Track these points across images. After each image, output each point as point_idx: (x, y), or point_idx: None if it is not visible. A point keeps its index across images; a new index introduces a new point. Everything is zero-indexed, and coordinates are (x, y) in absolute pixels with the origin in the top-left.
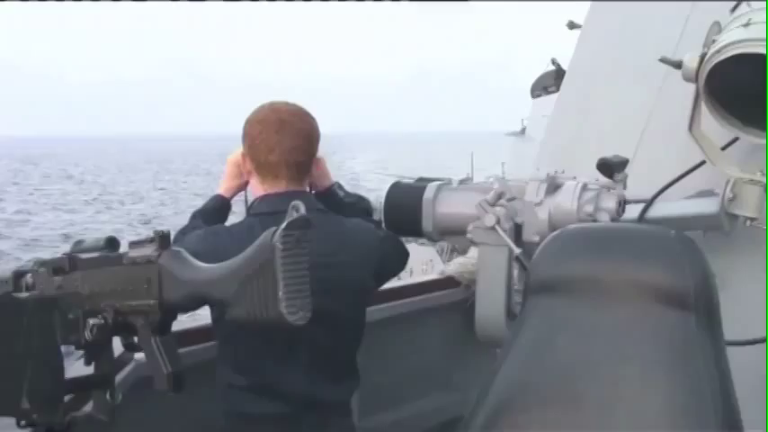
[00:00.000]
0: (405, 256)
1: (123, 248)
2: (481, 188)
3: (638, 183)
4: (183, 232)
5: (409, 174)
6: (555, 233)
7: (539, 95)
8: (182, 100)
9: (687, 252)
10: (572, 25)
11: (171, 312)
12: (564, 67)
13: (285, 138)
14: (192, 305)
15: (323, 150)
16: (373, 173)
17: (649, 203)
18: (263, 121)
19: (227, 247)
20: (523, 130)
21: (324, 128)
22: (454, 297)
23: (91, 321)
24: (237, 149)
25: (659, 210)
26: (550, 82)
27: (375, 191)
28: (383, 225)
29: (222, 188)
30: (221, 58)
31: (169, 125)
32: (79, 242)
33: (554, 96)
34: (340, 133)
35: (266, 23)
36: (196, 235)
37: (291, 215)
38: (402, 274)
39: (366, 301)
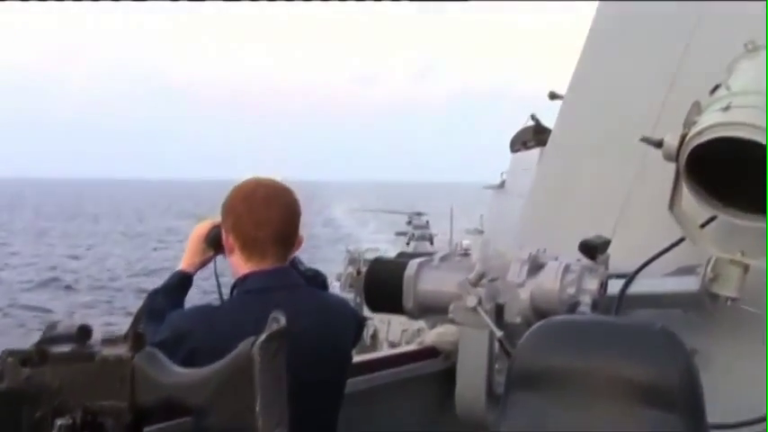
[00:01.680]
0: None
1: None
2: (463, 266)
3: (620, 257)
4: (153, 314)
5: (388, 221)
6: (539, 324)
7: (518, 150)
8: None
9: (671, 349)
10: (553, 96)
11: (143, 415)
12: (543, 122)
13: (274, 214)
14: (165, 410)
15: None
16: (352, 219)
17: (630, 279)
18: (250, 198)
19: (224, 327)
20: (502, 184)
21: (299, 173)
22: (434, 367)
23: (59, 422)
24: (202, 224)
25: (640, 286)
26: (529, 137)
27: (352, 235)
28: (364, 301)
29: (185, 264)
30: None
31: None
32: (52, 326)
33: (533, 152)
34: (314, 180)
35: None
36: (181, 314)
37: (271, 326)
38: None
39: (348, 370)
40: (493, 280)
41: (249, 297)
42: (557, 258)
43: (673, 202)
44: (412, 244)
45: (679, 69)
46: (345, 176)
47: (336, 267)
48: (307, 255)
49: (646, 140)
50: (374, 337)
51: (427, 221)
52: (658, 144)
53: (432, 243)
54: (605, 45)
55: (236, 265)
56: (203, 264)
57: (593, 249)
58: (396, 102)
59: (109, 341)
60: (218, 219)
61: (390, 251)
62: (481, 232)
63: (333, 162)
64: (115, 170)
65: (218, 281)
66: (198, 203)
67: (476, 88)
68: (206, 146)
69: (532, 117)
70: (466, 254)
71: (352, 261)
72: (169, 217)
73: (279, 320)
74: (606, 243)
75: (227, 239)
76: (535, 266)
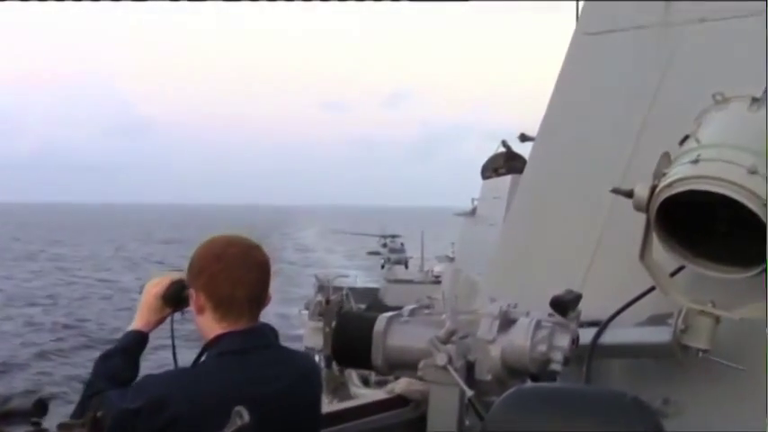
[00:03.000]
0: None
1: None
2: (433, 321)
3: (591, 304)
4: (113, 379)
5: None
6: (511, 392)
7: (489, 177)
8: None
9: (641, 419)
10: (524, 138)
11: None
12: (513, 149)
13: (250, 274)
14: None
15: (271, 224)
16: (322, 241)
17: (602, 329)
18: (225, 257)
19: (206, 393)
20: (473, 211)
21: (267, 198)
22: (404, 416)
23: None
24: (156, 279)
25: (612, 336)
26: (500, 164)
27: (321, 260)
28: (332, 356)
29: (140, 323)
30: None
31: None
32: (6, 400)
33: (505, 179)
34: (285, 206)
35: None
36: (156, 379)
37: (234, 423)
38: None
39: (320, 425)
40: (463, 337)
41: (226, 360)
42: (528, 314)
43: (643, 252)
44: (387, 267)
45: (649, 114)
46: (314, 201)
47: (306, 291)
48: (277, 280)
49: (616, 191)
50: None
51: (402, 244)
52: (628, 194)
53: (407, 267)
54: (575, 89)
55: (206, 325)
56: (159, 322)
57: (564, 305)
58: (365, 129)
59: (65, 426)
60: (173, 274)
61: (361, 277)
62: (452, 259)
63: (302, 187)
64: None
65: (173, 341)
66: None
67: (446, 118)
68: (164, 173)
69: (503, 144)
70: (430, 307)
71: (321, 288)
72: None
73: (242, 416)
74: (577, 298)
75: (198, 299)
76: (506, 322)
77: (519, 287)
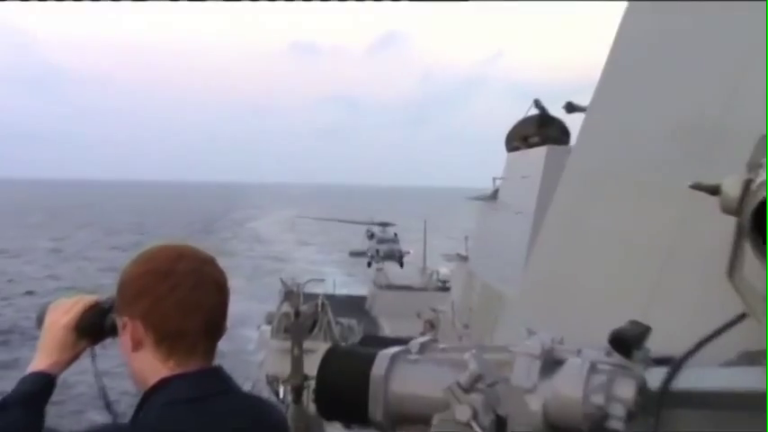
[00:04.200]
0: None
1: None
2: (453, 361)
3: (659, 336)
4: None
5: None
6: None
7: (516, 148)
8: None
9: None
10: (571, 108)
11: None
12: (549, 110)
13: (205, 297)
14: None
15: (219, 203)
16: (289, 232)
17: (674, 371)
18: (172, 275)
19: None
20: (495, 194)
21: (219, 176)
22: None
23: None
24: (65, 302)
25: (689, 379)
26: (532, 131)
27: (288, 257)
28: (317, 406)
29: (45, 362)
30: None
31: None
32: None
33: (537, 152)
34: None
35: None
36: None
37: None
38: None
39: None
40: (492, 384)
41: (177, 410)
42: (579, 352)
43: (732, 267)
44: (376, 266)
45: (739, 84)
46: (278, 178)
47: (266, 303)
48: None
49: (697, 187)
50: None
51: (395, 234)
52: (713, 191)
53: (401, 265)
54: (644, 41)
55: (146, 365)
56: (72, 360)
57: (628, 342)
58: (349, 80)
59: None
60: (85, 297)
61: (341, 279)
62: (464, 258)
63: (262, 159)
64: None
65: (102, 385)
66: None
67: (453, 67)
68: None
69: (536, 104)
70: (436, 326)
71: (289, 296)
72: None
73: None
74: (644, 332)
75: (133, 331)
76: (550, 364)
77: (564, 311)
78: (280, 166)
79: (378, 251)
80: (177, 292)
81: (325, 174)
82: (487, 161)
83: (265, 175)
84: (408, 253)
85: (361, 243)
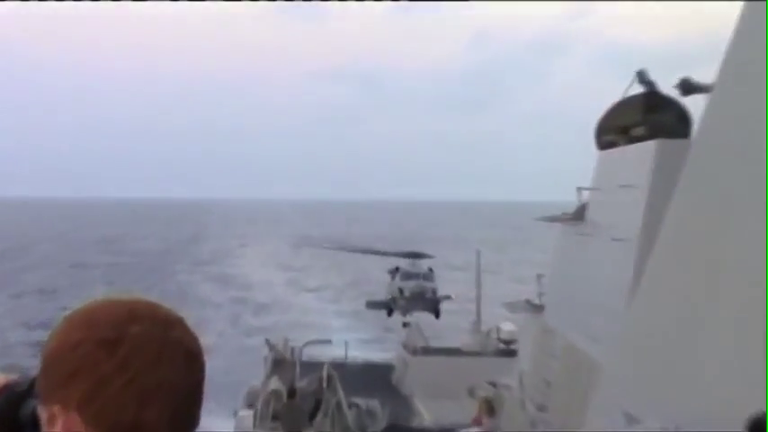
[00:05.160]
0: None
1: None
2: None
3: None
4: None
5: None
6: None
7: (611, 144)
8: None
9: None
10: (687, 88)
11: None
12: (657, 85)
13: (170, 374)
14: None
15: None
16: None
17: None
18: (123, 344)
19: None
20: (580, 211)
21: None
22: None
23: None
24: None
25: None
26: (635, 118)
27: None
28: None
29: None
30: None
31: None
32: None
33: (641, 149)
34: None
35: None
36: None
37: None
38: None
39: None
40: None
41: None
42: None
43: None
44: (397, 315)
45: None
46: (258, 194)
47: (247, 375)
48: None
49: None
50: None
51: (430, 270)
52: None
53: (437, 314)
54: None
55: None
56: None
57: None
58: (364, 46)
59: None
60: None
61: (355, 337)
62: (537, 307)
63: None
64: None
65: None
66: None
67: (515, 27)
68: None
69: (641, 77)
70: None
71: (279, 365)
72: None
73: None
74: None
75: (67, 425)
76: None
77: (681, 384)
78: (265, 176)
79: (401, 291)
80: (130, 370)
81: (327, 185)
82: (567, 164)
83: (246, 189)
84: (449, 298)
85: (386, 284)
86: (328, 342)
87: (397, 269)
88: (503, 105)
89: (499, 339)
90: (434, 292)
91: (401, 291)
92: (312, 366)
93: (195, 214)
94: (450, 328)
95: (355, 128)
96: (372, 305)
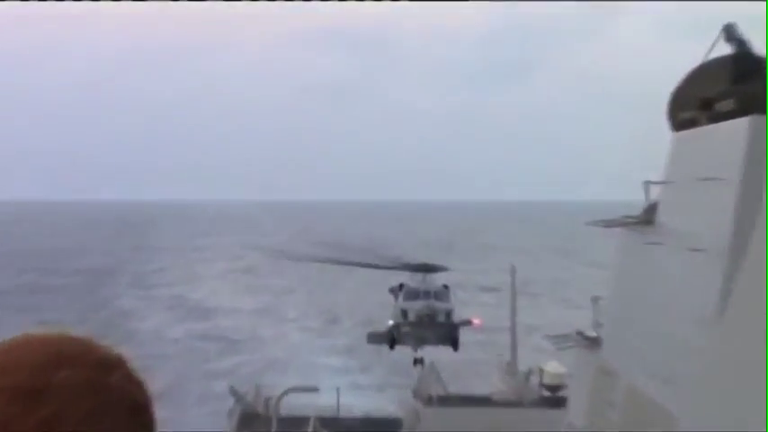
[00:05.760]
0: None
1: None
2: None
3: None
4: None
5: None
6: None
7: (689, 123)
8: None
9: None
10: (729, 35)
11: None
12: (744, 38)
13: (110, 429)
14: None
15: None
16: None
17: None
18: (44, 395)
19: None
20: (649, 213)
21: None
22: None
23: None
24: None
25: None
26: (721, 85)
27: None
28: None
29: None
30: None
31: None
32: None
33: (730, 128)
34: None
35: None
36: None
37: None
38: None
39: None
40: None
41: None
42: None
43: None
44: (401, 348)
45: None
46: (235, 193)
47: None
48: None
49: None
50: None
51: (445, 287)
52: None
53: (455, 345)
54: None
55: None
56: None
57: None
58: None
59: None
60: None
61: (353, 387)
62: (592, 340)
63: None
64: None
65: None
66: None
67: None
68: None
69: (729, 33)
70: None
71: (248, 421)
72: None
73: None
74: None
75: None
76: None
77: None
78: (234, 172)
79: (405, 314)
80: (56, 428)
81: (311, 183)
82: (630, 154)
83: (210, 189)
84: (470, 323)
85: (384, 312)
86: (315, 390)
87: (401, 286)
88: (536, 80)
89: (542, 384)
90: (449, 315)
91: (405, 313)
92: (294, 422)
93: (145, 219)
94: (476, 366)
95: (353, 102)
96: (375, 338)
